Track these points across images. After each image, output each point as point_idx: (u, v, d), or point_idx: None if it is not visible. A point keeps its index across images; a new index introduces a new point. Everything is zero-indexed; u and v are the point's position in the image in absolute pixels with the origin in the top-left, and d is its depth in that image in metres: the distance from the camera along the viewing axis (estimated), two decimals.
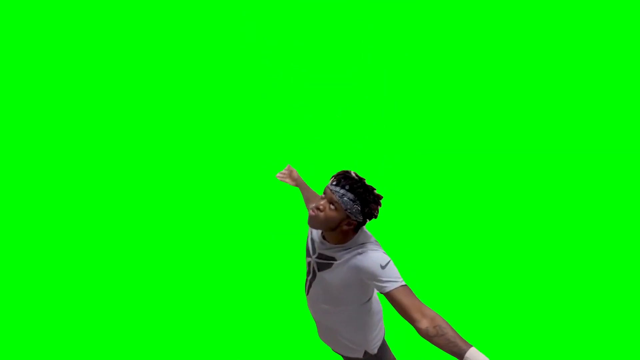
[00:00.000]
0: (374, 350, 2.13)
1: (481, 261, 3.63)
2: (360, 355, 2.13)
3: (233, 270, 3.67)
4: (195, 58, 5.52)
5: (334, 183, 1.89)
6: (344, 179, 1.88)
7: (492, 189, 4.18)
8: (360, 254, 1.88)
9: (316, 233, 2.04)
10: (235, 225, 4.01)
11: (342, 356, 2.19)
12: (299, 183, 2.60)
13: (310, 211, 1.91)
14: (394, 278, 1.81)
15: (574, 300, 3.35)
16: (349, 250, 1.92)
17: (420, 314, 1.75)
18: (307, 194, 2.51)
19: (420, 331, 1.75)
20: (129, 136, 4.83)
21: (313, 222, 1.90)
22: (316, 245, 2.01)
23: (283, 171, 2.66)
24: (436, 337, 1.72)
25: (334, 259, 1.94)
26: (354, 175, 1.90)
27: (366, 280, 1.87)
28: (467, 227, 3.87)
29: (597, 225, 3.83)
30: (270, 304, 3.44)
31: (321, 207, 1.89)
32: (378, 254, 1.86)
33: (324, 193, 1.92)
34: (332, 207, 1.88)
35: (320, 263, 1.98)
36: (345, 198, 1.87)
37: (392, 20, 5.62)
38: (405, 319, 1.79)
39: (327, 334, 2.14)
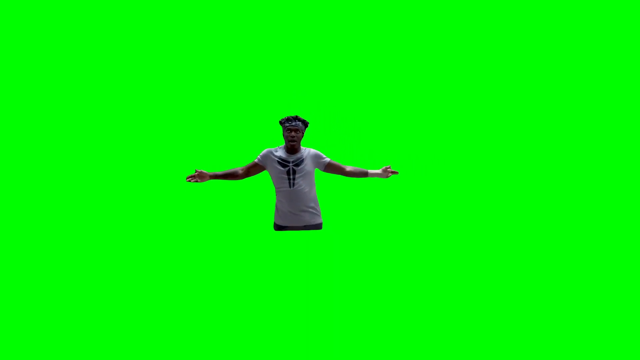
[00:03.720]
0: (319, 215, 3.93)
1: (479, 260, 3.62)
2: (320, 220, 3.85)
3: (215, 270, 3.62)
4: (190, 57, 5.48)
5: (290, 121, 3.79)
6: (291, 118, 3.79)
7: (491, 189, 4.25)
8: (310, 151, 3.85)
9: (280, 155, 3.81)
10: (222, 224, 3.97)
11: (304, 228, 3.80)
12: (212, 176, 3.76)
13: (291, 139, 3.78)
14: (326, 157, 3.87)
15: (573, 299, 3.30)
16: (303, 152, 3.83)
17: (344, 166, 3.87)
18: (225, 173, 3.82)
19: (346, 171, 3.87)
20: (120, 134, 4.80)
21: (295, 145, 3.80)
22: (286, 158, 3.79)
23: (193, 174, 3.71)
24: (353, 170, 3.84)
25: (302, 156, 3.81)
26: (292, 116, 3.80)
27: (317, 160, 3.83)
28: (465, 226, 3.87)
29: (596, 222, 3.87)
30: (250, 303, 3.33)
31: (295, 135, 3.79)
32: (315, 150, 3.87)
33: (289, 130, 3.79)
34: (298, 133, 3.79)
35: (297, 163, 3.78)
36: (300, 124, 3.81)
37: (388, 18, 5.61)
38: (338, 171, 3.86)
39: (298, 214, 3.79)
